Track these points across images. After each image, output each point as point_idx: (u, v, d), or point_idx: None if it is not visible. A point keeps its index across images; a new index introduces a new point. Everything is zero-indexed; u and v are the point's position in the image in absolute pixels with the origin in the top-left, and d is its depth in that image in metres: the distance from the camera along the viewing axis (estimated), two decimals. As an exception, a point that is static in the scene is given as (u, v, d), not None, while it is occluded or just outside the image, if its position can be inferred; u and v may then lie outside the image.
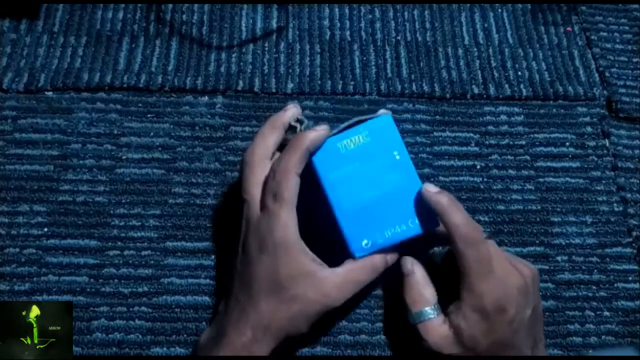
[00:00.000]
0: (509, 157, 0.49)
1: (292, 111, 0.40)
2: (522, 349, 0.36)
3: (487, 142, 0.49)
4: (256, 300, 0.35)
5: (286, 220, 0.35)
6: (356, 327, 0.42)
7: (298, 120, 0.39)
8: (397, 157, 0.37)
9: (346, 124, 0.37)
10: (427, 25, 0.54)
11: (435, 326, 0.36)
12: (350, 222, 0.37)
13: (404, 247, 0.38)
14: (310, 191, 0.37)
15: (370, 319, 0.43)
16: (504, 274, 0.36)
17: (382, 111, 0.38)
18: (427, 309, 0.36)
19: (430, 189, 0.36)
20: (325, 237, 0.37)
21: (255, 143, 0.38)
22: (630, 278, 0.45)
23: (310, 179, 0.36)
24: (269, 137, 0.39)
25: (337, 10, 0.54)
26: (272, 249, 0.35)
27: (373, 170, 0.37)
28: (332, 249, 0.37)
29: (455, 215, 0.35)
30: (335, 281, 0.36)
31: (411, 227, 0.37)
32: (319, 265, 0.36)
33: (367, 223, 0.37)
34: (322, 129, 0.36)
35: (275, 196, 0.35)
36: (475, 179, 0.48)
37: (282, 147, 0.39)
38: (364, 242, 0.37)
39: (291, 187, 0.35)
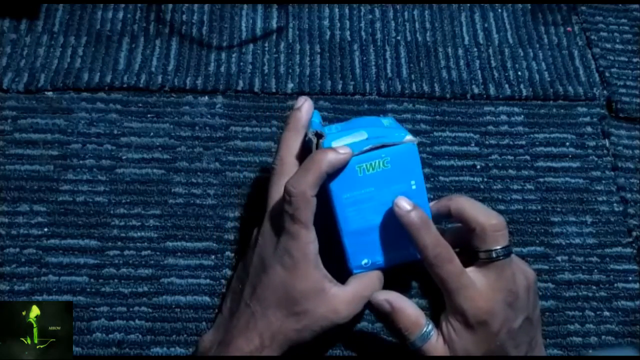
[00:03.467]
0: (509, 157, 0.49)
1: (305, 107, 0.39)
2: (512, 354, 0.36)
3: (487, 142, 0.49)
4: (266, 309, 0.35)
5: (306, 241, 0.35)
6: (356, 327, 0.42)
7: (316, 134, 0.37)
8: (414, 187, 0.36)
9: (370, 145, 0.35)
10: (427, 25, 0.54)
11: (432, 344, 0.36)
12: (354, 240, 0.37)
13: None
14: (321, 204, 0.36)
15: (371, 319, 0.43)
16: (492, 289, 0.35)
17: (408, 138, 0.36)
18: (421, 332, 0.36)
19: (402, 205, 0.35)
20: (333, 250, 0.37)
21: (282, 151, 0.38)
22: (630, 278, 0.45)
23: (323, 193, 0.36)
24: (293, 143, 0.38)
25: (337, 10, 0.54)
26: (290, 265, 0.35)
27: (387, 197, 0.36)
28: (340, 261, 0.37)
29: (425, 236, 0.35)
30: (345, 298, 0.36)
31: (412, 252, 0.37)
32: (329, 282, 0.36)
33: (371, 244, 0.37)
34: (344, 153, 0.35)
35: (293, 218, 0.34)
36: (475, 179, 0.48)
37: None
38: (364, 260, 0.37)
39: (308, 210, 0.34)
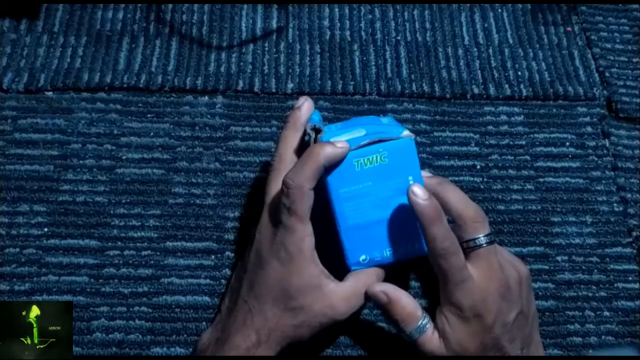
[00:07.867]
0: (509, 157, 0.49)
1: (305, 106, 0.39)
2: (506, 350, 0.36)
3: (487, 142, 0.49)
4: (263, 305, 0.35)
5: (302, 234, 0.35)
6: (356, 327, 0.42)
7: (314, 129, 0.37)
8: (411, 182, 0.36)
9: (367, 140, 0.35)
10: (427, 25, 0.54)
11: (428, 335, 0.36)
12: (352, 236, 0.37)
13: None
14: (319, 200, 0.36)
15: (370, 319, 0.43)
16: (485, 279, 0.35)
17: (406, 133, 0.36)
18: (418, 324, 0.36)
19: (418, 193, 0.34)
20: (332, 247, 0.37)
21: (281, 148, 0.38)
22: (630, 278, 0.45)
23: (320, 189, 0.36)
24: (292, 141, 0.39)
25: (337, 10, 0.54)
26: (286, 259, 0.35)
27: (384, 191, 0.36)
28: (338, 258, 0.37)
29: (436, 228, 0.34)
30: (342, 294, 0.36)
31: (410, 249, 0.37)
32: (327, 278, 0.36)
33: (369, 240, 0.37)
34: (340, 147, 0.35)
35: (290, 211, 0.34)
36: (475, 179, 0.48)
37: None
38: (362, 257, 0.37)
39: (305, 202, 0.34)
